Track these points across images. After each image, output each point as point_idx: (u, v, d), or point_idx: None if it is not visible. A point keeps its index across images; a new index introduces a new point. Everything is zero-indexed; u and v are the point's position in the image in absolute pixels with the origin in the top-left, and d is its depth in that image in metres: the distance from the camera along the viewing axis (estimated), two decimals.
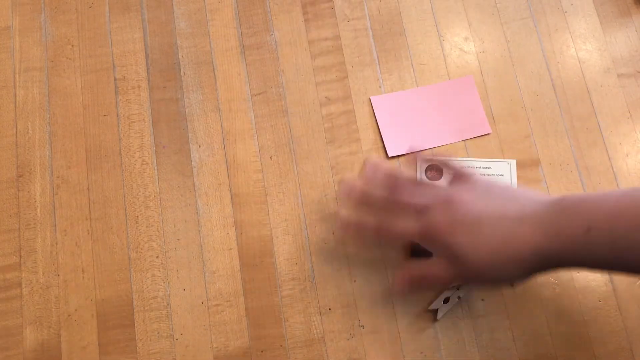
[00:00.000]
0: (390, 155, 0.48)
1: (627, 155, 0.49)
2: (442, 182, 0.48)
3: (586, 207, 0.33)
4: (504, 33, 0.52)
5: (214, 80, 0.51)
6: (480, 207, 0.36)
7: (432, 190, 0.39)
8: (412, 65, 0.51)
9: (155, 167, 0.49)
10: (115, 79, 0.51)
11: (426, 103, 0.50)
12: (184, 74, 0.51)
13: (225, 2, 0.53)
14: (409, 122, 0.49)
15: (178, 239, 0.47)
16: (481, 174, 0.48)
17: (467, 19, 0.53)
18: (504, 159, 0.48)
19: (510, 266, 0.35)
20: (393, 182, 0.40)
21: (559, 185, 0.48)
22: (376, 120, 0.49)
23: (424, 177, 0.48)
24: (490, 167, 0.48)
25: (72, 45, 0.52)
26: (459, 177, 0.40)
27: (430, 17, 0.53)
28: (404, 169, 0.48)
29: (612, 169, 0.48)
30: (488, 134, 0.49)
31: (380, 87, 0.51)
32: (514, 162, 0.48)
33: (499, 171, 0.48)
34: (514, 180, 0.48)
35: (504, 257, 0.35)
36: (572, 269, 0.37)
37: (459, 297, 0.45)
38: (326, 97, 0.50)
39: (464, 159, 0.48)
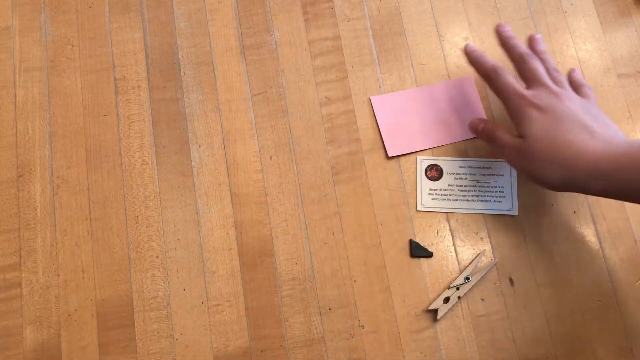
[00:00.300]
0: (390, 155, 0.48)
1: None
2: (442, 182, 0.48)
3: None
4: None
5: (214, 80, 0.51)
6: (575, 111, 0.40)
7: (557, 80, 0.43)
8: (412, 65, 0.51)
9: (155, 167, 0.49)
10: (115, 79, 0.51)
11: (426, 103, 0.50)
12: (184, 74, 0.51)
13: (225, 2, 0.53)
14: (409, 122, 0.49)
15: (178, 239, 0.47)
16: (480, 174, 0.48)
17: (467, 19, 0.53)
18: (503, 159, 0.48)
19: (558, 165, 0.39)
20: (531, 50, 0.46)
21: None
22: (376, 120, 0.49)
23: (424, 176, 0.48)
24: (490, 167, 0.48)
25: (72, 45, 0.52)
26: (578, 88, 0.44)
27: (430, 17, 0.53)
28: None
29: None
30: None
31: (380, 87, 0.51)
32: None
33: (499, 171, 0.48)
34: (514, 180, 0.48)
35: (559, 154, 0.39)
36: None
37: (458, 297, 0.45)
38: (326, 97, 0.50)
39: (462, 159, 0.48)
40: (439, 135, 0.49)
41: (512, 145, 0.42)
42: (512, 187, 0.48)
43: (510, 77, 0.44)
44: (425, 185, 0.48)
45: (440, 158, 0.48)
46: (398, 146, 0.48)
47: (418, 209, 0.47)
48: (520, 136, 0.42)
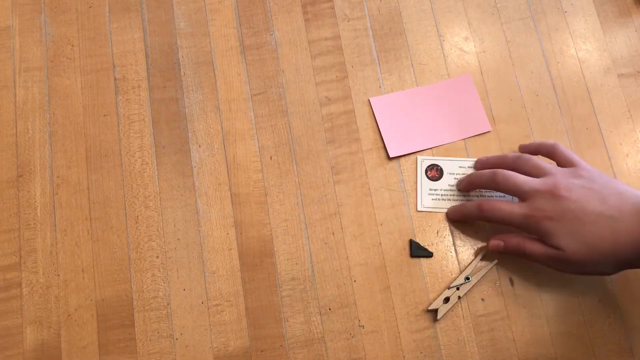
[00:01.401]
0: (391, 155, 0.48)
1: (627, 156, 0.49)
2: (442, 182, 0.48)
3: None
4: (504, 33, 0.52)
5: (214, 80, 0.51)
6: (582, 203, 0.39)
7: (540, 171, 0.42)
8: (412, 65, 0.51)
9: (155, 167, 0.49)
10: (115, 79, 0.51)
11: (425, 103, 0.50)
12: (184, 74, 0.51)
13: (225, 2, 0.53)
14: (409, 122, 0.49)
15: (178, 239, 0.47)
16: None
17: (467, 18, 0.53)
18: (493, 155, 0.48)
19: (604, 260, 0.38)
20: (501, 159, 0.45)
21: None
22: (376, 121, 0.49)
23: (424, 176, 0.48)
24: None
25: (72, 45, 0.52)
26: (566, 163, 0.43)
27: (430, 17, 0.53)
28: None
29: (612, 169, 0.48)
30: (489, 131, 0.49)
31: (380, 87, 0.51)
32: None
33: None
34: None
35: (600, 252, 0.38)
36: None
37: (459, 297, 0.45)
38: (326, 97, 0.50)
39: (463, 159, 0.48)
40: (439, 135, 0.49)
41: (550, 256, 0.40)
42: None
43: (498, 202, 0.42)
44: (425, 185, 0.48)
45: (440, 158, 0.48)
46: (399, 147, 0.48)
47: (418, 209, 0.47)
48: (552, 247, 0.40)
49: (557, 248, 0.39)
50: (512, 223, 0.42)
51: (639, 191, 0.40)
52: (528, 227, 0.41)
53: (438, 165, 0.48)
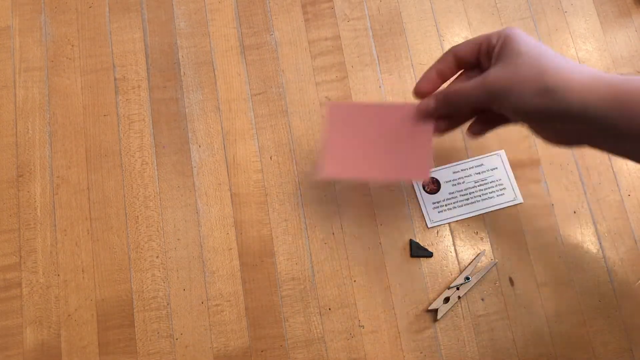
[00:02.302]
0: (323, 175, 0.40)
1: None
2: (442, 193, 0.48)
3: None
4: None
5: (214, 80, 0.51)
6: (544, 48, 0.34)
7: None
8: (412, 65, 0.51)
9: (155, 167, 0.49)
10: (115, 79, 0.51)
11: (381, 125, 0.41)
12: (184, 74, 0.51)
13: (225, 2, 0.53)
14: (356, 142, 0.41)
15: (178, 239, 0.47)
16: (476, 173, 0.48)
17: (467, 18, 0.53)
18: (491, 152, 0.48)
19: (527, 85, 0.33)
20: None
21: (559, 185, 0.48)
22: (324, 131, 0.41)
23: (423, 192, 0.48)
24: (482, 164, 0.48)
25: (72, 45, 0.52)
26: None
27: (430, 17, 0.53)
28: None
29: (612, 169, 0.48)
30: (423, 180, 0.45)
31: (380, 86, 0.51)
32: (503, 152, 0.48)
33: (492, 165, 0.48)
34: (509, 169, 0.48)
35: (524, 74, 0.33)
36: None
37: (458, 297, 0.45)
38: (326, 97, 0.50)
39: (455, 163, 0.48)
40: (377, 166, 0.40)
41: (475, 86, 0.35)
42: (510, 177, 0.48)
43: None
44: (427, 200, 0.48)
45: (432, 170, 0.48)
46: (336, 168, 0.40)
47: (429, 226, 0.47)
48: (503, 55, 0.35)
49: (505, 66, 0.34)
50: (482, 38, 0.36)
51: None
52: (500, 36, 0.35)
53: (433, 177, 0.48)
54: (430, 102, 0.39)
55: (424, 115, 0.39)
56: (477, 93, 0.35)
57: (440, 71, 0.39)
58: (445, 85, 0.39)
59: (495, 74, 0.34)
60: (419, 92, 0.40)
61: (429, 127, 0.40)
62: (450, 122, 0.40)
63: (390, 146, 0.40)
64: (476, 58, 0.37)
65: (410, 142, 0.40)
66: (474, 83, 0.35)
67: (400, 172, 0.40)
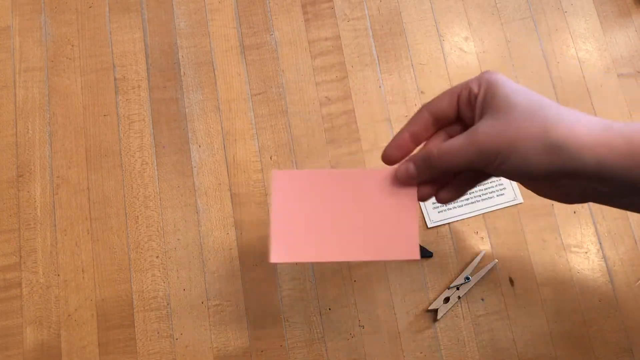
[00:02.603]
0: (272, 261, 0.33)
1: None
2: None
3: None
4: (504, 33, 0.52)
5: (214, 80, 0.51)
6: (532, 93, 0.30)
7: None
8: (412, 65, 0.51)
9: (155, 167, 0.49)
10: (115, 79, 0.51)
11: (343, 195, 0.34)
12: (184, 74, 0.51)
13: (225, 2, 0.53)
14: (312, 217, 0.34)
15: (178, 239, 0.47)
16: None
17: (467, 19, 0.53)
18: None
19: (529, 144, 0.28)
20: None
21: None
22: (271, 203, 0.34)
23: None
24: None
25: (72, 45, 0.52)
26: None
27: (430, 17, 0.53)
28: None
29: None
30: (416, 259, 0.38)
31: (380, 86, 0.51)
32: None
33: None
34: None
35: (523, 131, 0.28)
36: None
37: (458, 297, 0.45)
38: (326, 97, 0.50)
39: None
40: (349, 247, 0.34)
41: (462, 145, 0.30)
42: None
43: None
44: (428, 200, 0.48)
45: None
46: (288, 250, 0.33)
47: (429, 226, 0.47)
48: (493, 112, 0.30)
49: (498, 122, 0.29)
50: (462, 87, 0.32)
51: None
52: (481, 84, 0.31)
53: None
54: (409, 166, 0.33)
55: (404, 181, 0.34)
56: (467, 155, 0.30)
57: (414, 134, 0.33)
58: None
59: (487, 131, 0.29)
60: (388, 160, 0.34)
61: (412, 193, 0.34)
62: (432, 187, 0.34)
63: (363, 220, 0.34)
64: (456, 112, 0.32)
65: (390, 213, 0.34)
66: (461, 143, 0.30)
67: (380, 250, 0.34)
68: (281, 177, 0.34)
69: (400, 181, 0.34)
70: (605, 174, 0.27)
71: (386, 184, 0.35)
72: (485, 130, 0.29)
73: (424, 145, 0.33)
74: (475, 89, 0.31)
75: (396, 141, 0.33)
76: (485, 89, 0.30)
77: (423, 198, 0.34)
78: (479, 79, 0.31)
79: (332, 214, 0.34)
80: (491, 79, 0.30)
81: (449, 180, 0.34)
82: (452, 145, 0.30)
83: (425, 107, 0.33)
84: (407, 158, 0.33)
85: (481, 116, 0.30)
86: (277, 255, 0.33)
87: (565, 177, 0.29)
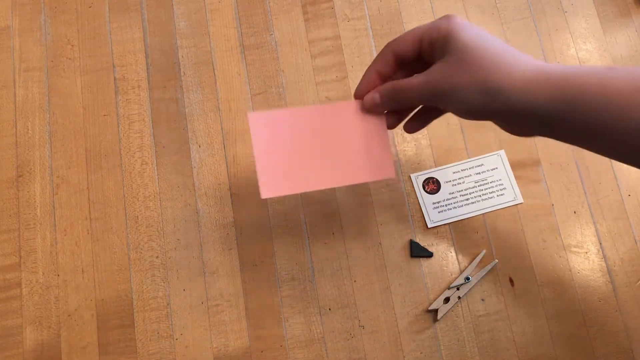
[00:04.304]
0: (263, 196, 0.36)
1: None
2: (442, 193, 0.48)
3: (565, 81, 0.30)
4: (504, 33, 0.52)
5: (214, 80, 0.51)
6: (489, 37, 0.33)
7: None
8: None
9: (155, 167, 0.49)
10: (115, 79, 0.51)
11: (318, 129, 0.37)
12: (184, 74, 0.51)
13: (225, 2, 0.53)
14: (293, 152, 0.37)
15: (178, 239, 0.47)
16: (476, 173, 0.48)
17: (467, 18, 0.53)
18: (491, 152, 0.48)
19: (469, 85, 0.32)
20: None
21: (559, 185, 0.48)
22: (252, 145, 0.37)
23: (423, 192, 0.48)
24: (482, 164, 0.48)
25: (72, 45, 0.52)
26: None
27: (431, 17, 0.53)
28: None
29: (612, 169, 0.48)
30: (391, 178, 0.38)
31: None
32: (503, 152, 0.48)
33: (492, 165, 0.48)
34: (509, 170, 0.48)
35: (467, 74, 0.32)
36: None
37: (459, 297, 0.45)
38: (326, 97, 0.50)
39: (455, 164, 0.48)
40: (328, 173, 0.37)
41: (420, 83, 0.34)
42: (510, 177, 0.48)
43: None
44: (427, 200, 0.48)
45: (432, 170, 0.48)
46: (275, 185, 0.37)
47: (429, 226, 0.47)
48: (444, 56, 0.33)
49: (452, 62, 0.33)
50: (423, 30, 0.35)
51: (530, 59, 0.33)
52: (440, 28, 0.34)
53: (433, 177, 0.48)
54: (375, 96, 0.37)
55: (370, 109, 0.37)
56: (421, 92, 0.34)
57: (380, 72, 0.37)
58: None
59: (437, 74, 0.33)
60: (359, 96, 0.38)
61: (382, 121, 0.37)
62: (397, 117, 0.38)
63: (341, 149, 0.37)
64: (417, 54, 0.35)
65: (364, 140, 0.37)
66: (418, 81, 0.34)
67: (360, 174, 0.37)
68: (258, 118, 0.36)
69: (368, 109, 0.37)
70: (537, 115, 0.31)
71: (357, 115, 0.38)
72: (437, 73, 0.33)
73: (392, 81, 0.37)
74: (435, 34, 0.34)
75: (366, 79, 0.37)
76: (444, 35, 0.33)
77: (390, 126, 0.38)
78: (439, 25, 0.34)
79: (311, 147, 0.37)
80: (450, 26, 0.33)
81: (411, 111, 0.39)
82: (411, 82, 0.34)
83: (389, 47, 0.36)
84: (374, 90, 0.37)
85: (439, 58, 0.33)
86: (267, 190, 0.36)
87: (504, 118, 0.33)
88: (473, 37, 0.33)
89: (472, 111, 0.33)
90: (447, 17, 0.34)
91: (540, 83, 0.30)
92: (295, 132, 0.37)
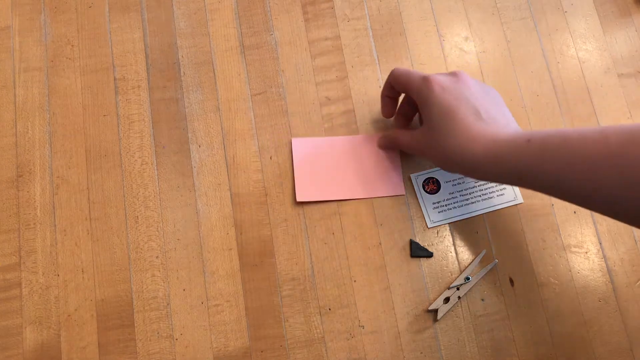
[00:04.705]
0: (298, 200, 0.47)
1: None
2: (442, 193, 0.48)
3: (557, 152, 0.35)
4: (504, 33, 0.52)
5: (214, 80, 0.51)
6: (472, 93, 0.40)
7: None
8: (412, 65, 0.51)
9: (155, 167, 0.49)
10: (115, 79, 0.51)
11: (345, 153, 0.48)
12: (184, 74, 0.51)
13: (225, 2, 0.53)
14: (324, 169, 0.48)
15: (178, 239, 0.47)
16: None
17: (467, 18, 0.53)
18: None
19: (467, 161, 0.39)
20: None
21: None
22: (292, 163, 0.48)
23: (423, 192, 0.48)
24: None
25: (72, 45, 0.52)
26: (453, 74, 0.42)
27: (430, 17, 0.53)
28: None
29: None
30: (402, 195, 0.48)
31: (380, 86, 0.51)
32: None
33: None
34: None
35: (450, 145, 0.39)
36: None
37: (459, 297, 0.45)
38: (326, 97, 0.50)
39: None
40: (351, 189, 0.48)
41: (412, 140, 0.44)
42: None
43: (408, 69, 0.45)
44: (427, 200, 0.48)
45: (432, 170, 0.48)
46: (309, 192, 0.47)
47: (429, 226, 0.47)
48: (422, 122, 0.43)
49: (423, 123, 0.42)
50: (411, 82, 0.42)
51: (514, 124, 0.40)
52: (420, 89, 0.41)
53: (433, 177, 0.48)
54: (381, 142, 0.48)
55: (383, 148, 0.49)
56: (411, 149, 0.45)
57: (389, 96, 0.47)
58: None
59: (418, 139, 0.43)
60: (386, 116, 0.48)
61: (395, 151, 0.49)
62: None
63: (361, 169, 0.48)
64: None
65: (381, 164, 0.48)
66: (408, 140, 0.45)
67: (376, 189, 0.48)
68: (298, 142, 0.49)
69: (381, 147, 0.49)
70: (490, 179, 0.40)
71: (376, 145, 0.49)
72: (418, 138, 0.43)
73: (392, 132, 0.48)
74: (415, 94, 0.42)
75: (383, 103, 0.48)
76: (423, 101, 0.41)
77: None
78: (420, 88, 0.42)
79: (338, 166, 0.48)
80: (423, 95, 0.41)
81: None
82: (402, 140, 0.46)
83: (390, 76, 0.45)
84: (379, 139, 0.49)
85: (422, 113, 0.42)
86: (301, 195, 0.47)
87: (478, 178, 0.41)
88: (444, 110, 0.40)
89: (445, 170, 0.44)
90: (426, 81, 0.41)
91: (495, 158, 0.37)
92: (326, 154, 0.48)
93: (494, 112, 0.40)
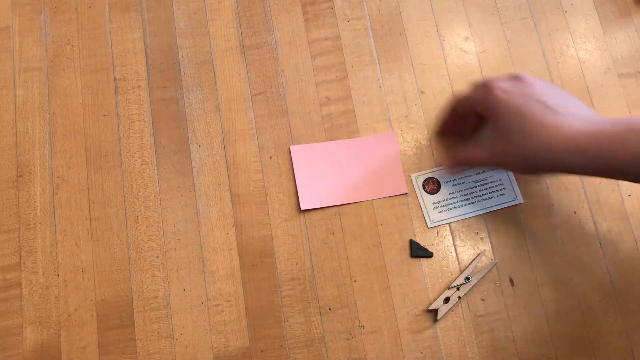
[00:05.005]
0: (302, 208, 0.47)
1: None
2: (442, 193, 0.48)
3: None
4: (504, 33, 0.52)
5: (214, 80, 0.51)
6: (546, 91, 0.40)
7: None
8: (412, 65, 0.51)
9: (155, 167, 0.49)
10: (115, 79, 0.51)
11: (345, 157, 0.48)
12: (184, 74, 0.51)
13: (225, 2, 0.53)
14: (325, 175, 0.48)
15: (178, 239, 0.47)
16: (476, 173, 0.48)
17: (467, 18, 0.53)
18: None
19: (550, 157, 0.38)
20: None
21: (559, 185, 0.48)
22: (293, 170, 0.48)
23: (423, 192, 0.48)
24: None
25: (72, 45, 0.52)
26: (514, 78, 0.42)
27: (431, 17, 0.53)
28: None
29: None
30: (404, 194, 0.48)
31: (380, 86, 0.51)
32: None
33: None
34: (511, 173, 0.48)
35: (546, 144, 0.38)
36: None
37: (459, 297, 0.45)
38: (326, 97, 0.50)
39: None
40: (354, 192, 0.47)
41: (484, 153, 0.43)
42: (510, 177, 0.48)
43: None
44: (427, 200, 0.48)
45: (433, 170, 0.48)
46: (312, 199, 0.47)
47: (429, 226, 0.47)
48: (493, 129, 0.42)
49: (494, 131, 0.41)
50: (473, 99, 0.43)
51: (588, 111, 0.40)
52: (485, 99, 0.41)
53: (433, 178, 0.48)
54: (454, 165, 0.47)
55: (458, 169, 0.48)
56: (482, 163, 0.44)
57: (447, 120, 0.47)
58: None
59: (490, 151, 0.42)
60: (441, 134, 0.49)
61: (395, 150, 0.49)
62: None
63: (363, 172, 0.48)
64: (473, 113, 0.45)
65: (382, 165, 0.48)
66: (479, 158, 0.44)
67: (380, 190, 0.47)
68: (297, 150, 0.48)
69: (454, 169, 0.48)
70: (576, 172, 0.40)
71: (375, 146, 0.49)
72: (490, 150, 0.43)
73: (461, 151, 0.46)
74: (483, 110, 0.42)
75: (444, 126, 0.48)
76: (488, 114, 0.42)
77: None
78: (483, 103, 0.42)
79: (339, 170, 0.48)
80: (490, 105, 0.41)
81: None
82: (478, 155, 0.44)
83: (452, 107, 0.46)
84: (454, 163, 0.47)
85: (490, 133, 0.43)
86: (305, 203, 0.47)
87: (553, 173, 0.43)
88: (513, 113, 0.40)
89: (521, 173, 0.46)
90: (487, 90, 0.41)
91: (571, 151, 0.37)
92: (327, 159, 0.48)
93: (566, 103, 0.40)
